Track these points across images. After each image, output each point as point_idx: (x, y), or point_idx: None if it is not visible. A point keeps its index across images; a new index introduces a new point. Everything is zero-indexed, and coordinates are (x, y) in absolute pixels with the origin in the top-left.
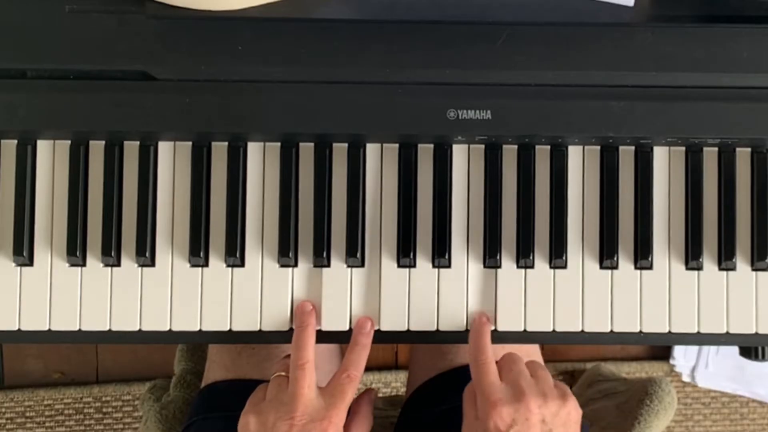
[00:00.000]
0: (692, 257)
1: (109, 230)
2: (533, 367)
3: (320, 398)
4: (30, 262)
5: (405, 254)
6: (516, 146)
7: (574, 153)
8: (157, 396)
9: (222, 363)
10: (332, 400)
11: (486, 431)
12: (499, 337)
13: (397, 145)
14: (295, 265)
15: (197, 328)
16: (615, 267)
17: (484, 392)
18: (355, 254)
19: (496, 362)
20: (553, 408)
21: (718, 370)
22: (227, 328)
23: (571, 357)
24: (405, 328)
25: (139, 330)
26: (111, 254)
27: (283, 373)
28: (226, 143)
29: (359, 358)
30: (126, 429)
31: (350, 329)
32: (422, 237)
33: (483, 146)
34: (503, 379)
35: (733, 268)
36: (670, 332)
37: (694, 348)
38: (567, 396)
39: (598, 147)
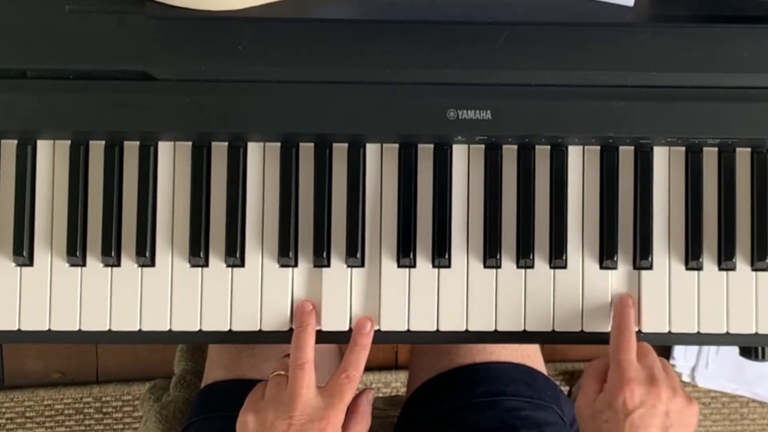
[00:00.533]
0: (692, 257)
1: (109, 230)
2: (665, 364)
3: (319, 398)
4: (30, 262)
5: (405, 254)
6: (516, 146)
7: (574, 153)
8: (157, 396)
9: (222, 363)
10: (331, 400)
11: (611, 404)
12: (498, 337)
13: (397, 145)
14: (295, 265)
15: (197, 328)
16: (615, 267)
17: (621, 366)
18: (355, 254)
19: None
20: (679, 405)
21: (718, 370)
22: (227, 328)
23: (570, 357)
24: (405, 328)
25: (139, 330)
26: (111, 254)
27: (282, 372)
28: (226, 143)
29: (358, 359)
30: (126, 429)
31: (350, 329)
32: (422, 237)
33: (483, 146)
34: (639, 362)
35: (733, 268)
36: (670, 332)
37: (694, 348)
38: (693, 400)
39: (598, 147)
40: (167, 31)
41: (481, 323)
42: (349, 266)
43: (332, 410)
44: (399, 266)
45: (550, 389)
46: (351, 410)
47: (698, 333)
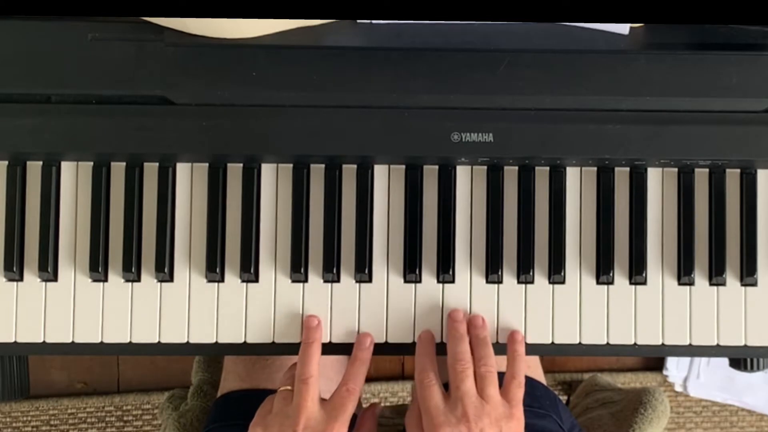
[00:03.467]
0: (684, 273)
1: (129, 247)
2: (482, 384)
3: (322, 411)
4: (54, 278)
5: (411, 270)
6: (517, 167)
7: (572, 174)
8: (175, 405)
9: (237, 373)
10: (333, 413)
11: None
12: (501, 349)
13: (403, 167)
14: (306, 280)
15: (213, 341)
16: (611, 282)
17: (429, 414)
18: (363, 270)
19: (448, 371)
20: (493, 429)
21: (709, 381)
22: (242, 341)
23: (568, 368)
24: (411, 341)
25: (158, 342)
26: (131, 270)
27: (289, 387)
28: (241, 164)
29: (359, 372)
30: None
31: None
32: (427, 254)
33: (485, 167)
34: (450, 397)
35: (723, 284)
36: (663, 344)
37: (686, 359)
38: (512, 417)
39: (595, 168)
40: (185, 58)
41: None
42: (357, 281)
43: (335, 422)
44: (405, 281)
45: (549, 398)
46: (358, 424)
47: (690, 345)
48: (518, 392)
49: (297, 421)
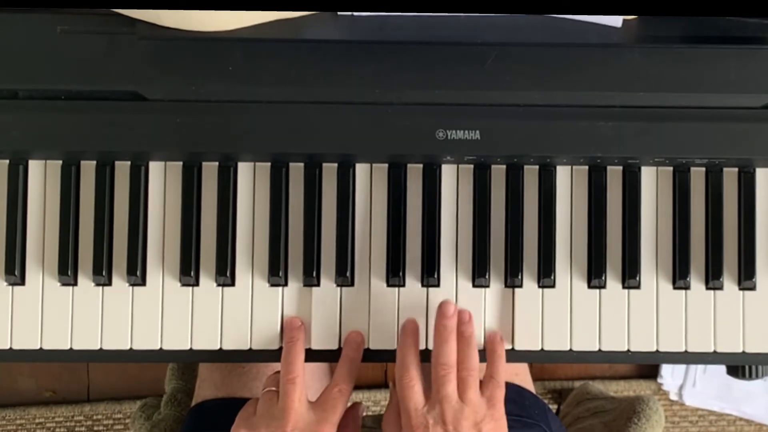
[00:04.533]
0: (680, 276)
1: (100, 250)
2: (462, 387)
3: (311, 412)
4: (21, 282)
5: (394, 273)
6: (505, 166)
7: (563, 173)
8: (148, 414)
9: (212, 381)
10: (323, 414)
11: None
12: (484, 355)
13: (386, 165)
14: (285, 284)
15: (188, 347)
16: (603, 286)
17: (408, 414)
18: (344, 273)
19: (431, 372)
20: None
21: (705, 389)
22: (218, 347)
23: (559, 376)
24: (394, 347)
25: (130, 349)
26: (102, 273)
27: (273, 388)
28: (217, 163)
29: (350, 373)
30: None
31: (340, 348)
32: (411, 256)
33: (472, 166)
34: (430, 399)
35: (720, 288)
36: (657, 351)
37: (682, 367)
38: (493, 418)
39: (587, 167)
40: (158, 51)
41: None
42: (338, 285)
43: (325, 424)
44: (388, 285)
45: (538, 407)
46: (341, 424)
47: (685, 352)
48: (497, 392)
49: (285, 422)
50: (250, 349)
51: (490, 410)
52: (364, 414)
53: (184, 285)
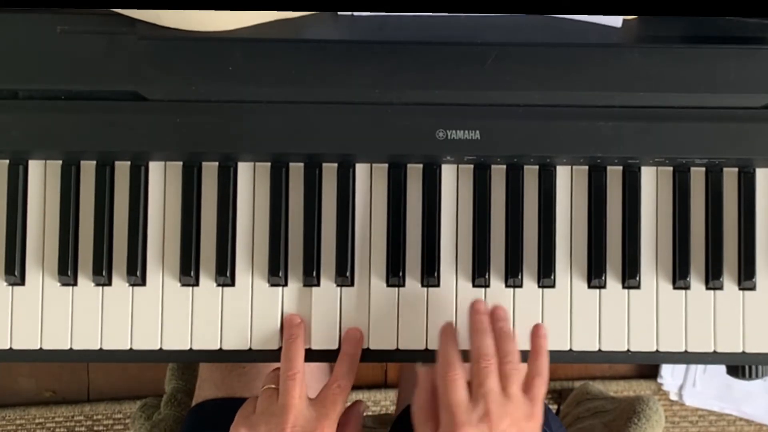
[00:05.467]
0: (680, 276)
1: (100, 250)
2: (505, 382)
3: (311, 409)
4: (21, 282)
5: (394, 273)
6: (504, 166)
7: (563, 173)
8: (148, 414)
9: (212, 382)
10: (323, 410)
11: None
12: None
13: (386, 165)
14: (285, 284)
15: (188, 347)
16: (603, 286)
17: (451, 411)
18: (344, 273)
19: (470, 364)
20: (513, 430)
21: (705, 389)
22: (218, 347)
23: (559, 376)
24: (394, 347)
25: (130, 349)
26: (102, 273)
27: (273, 386)
28: (217, 163)
29: (349, 369)
30: None
31: (339, 348)
32: (411, 256)
33: (472, 166)
34: (472, 395)
35: (720, 288)
36: (657, 351)
37: (682, 367)
38: (533, 416)
39: (587, 167)
40: (158, 51)
41: (469, 342)
42: (338, 285)
43: (325, 420)
44: (388, 285)
45: None
46: (341, 422)
47: (685, 352)
48: (541, 390)
49: (285, 419)
50: (250, 349)
51: (533, 408)
52: (364, 414)
53: (184, 285)
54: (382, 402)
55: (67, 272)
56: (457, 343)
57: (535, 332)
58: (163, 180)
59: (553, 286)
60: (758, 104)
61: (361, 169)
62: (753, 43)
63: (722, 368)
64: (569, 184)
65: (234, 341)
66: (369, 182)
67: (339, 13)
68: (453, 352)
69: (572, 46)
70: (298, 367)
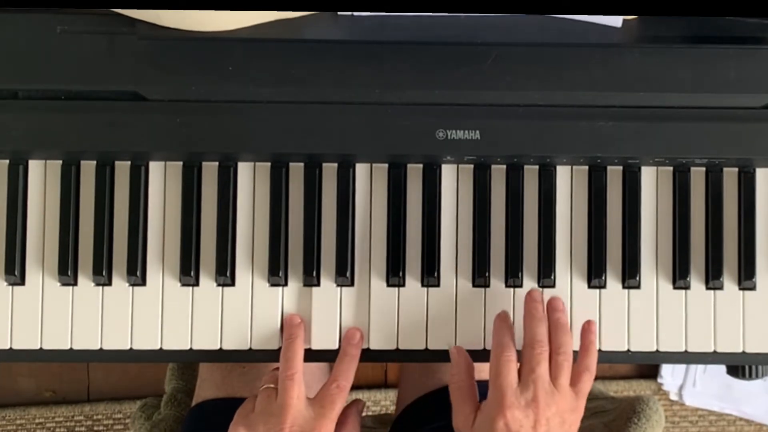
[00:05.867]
0: (680, 276)
1: (100, 250)
2: (556, 372)
3: (309, 408)
4: (21, 282)
5: (394, 273)
6: (504, 166)
7: (563, 173)
8: (148, 414)
9: (213, 381)
10: (322, 410)
11: (492, 428)
12: (487, 356)
13: (386, 165)
14: (285, 284)
15: (188, 347)
16: (603, 286)
17: (500, 391)
18: (344, 273)
19: (522, 349)
20: (556, 420)
21: (705, 389)
22: (218, 347)
23: None
24: (394, 347)
25: (130, 349)
26: (102, 273)
27: (271, 386)
28: (217, 163)
29: (348, 369)
30: None
31: (339, 348)
32: (411, 256)
33: (472, 166)
34: (522, 378)
35: (721, 288)
36: (657, 351)
37: (682, 367)
38: (576, 410)
39: (587, 167)
40: (158, 51)
41: (469, 342)
42: (338, 285)
43: (323, 420)
44: (388, 285)
45: None
46: (340, 421)
47: (686, 352)
48: (587, 385)
49: (284, 419)
50: (250, 349)
51: (578, 402)
52: (364, 414)
53: (184, 285)
54: (382, 402)
55: (67, 272)
56: (512, 329)
57: (586, 328)
58: (163, 180)
59: (553, 286)
60: (758, 104)
61: (361, 169)
62: (753, 43)
63: (722, 368)
64: (569, 184)
65: (234, 341)
66: (369, 182)
67: (339, 13)
68: (508, 336)
69: (572, 46)
70: (296, 367)
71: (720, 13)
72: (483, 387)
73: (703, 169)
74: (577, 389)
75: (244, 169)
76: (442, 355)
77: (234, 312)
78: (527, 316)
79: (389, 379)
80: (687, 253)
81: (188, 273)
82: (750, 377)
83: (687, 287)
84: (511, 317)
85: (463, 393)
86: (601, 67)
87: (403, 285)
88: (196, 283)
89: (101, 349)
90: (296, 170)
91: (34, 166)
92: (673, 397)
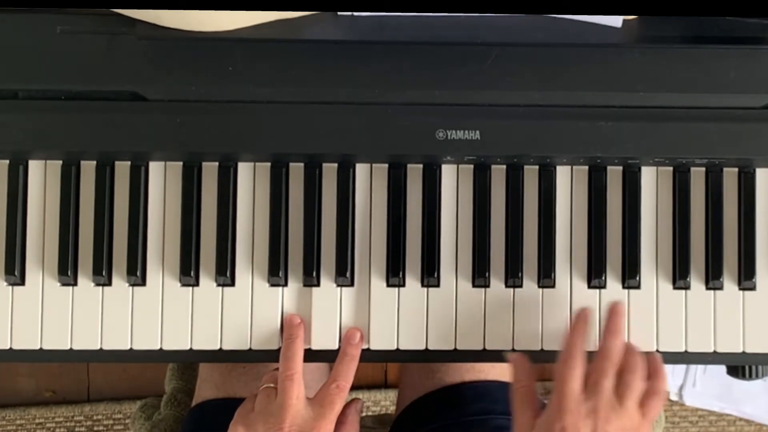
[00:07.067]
0: (680, 276)
1: (100, 250)
2: (624, 391)
3: (309, 408)
4: (21, 282)
5: (394, 273)
6: (504, 166)
7: (563, 173)
8: (148, 414)
9: (213, 382)
10: (321, 410)
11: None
12: (487, 356)
13: (386, 165)
14: (285, 284)
15: (188, 347)
16: (603, 286)
17: (563, 396)
18: (344, 273)
19: (592, 362)
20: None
21: (705, 389)
22: (218, 347)
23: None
24: (394, 347)
25: (130, 349)
26: (102, 273)
27: (271, 385)
28: (217, 163)
29: (348, 369)
30: None
31: (339, 348)
32: (411, 256)
33: (472, 166)
34: (587, 388)
35: (720, 288)
36: (657, 351)
37: (682, 367)
38: (642, 426)
39: (587, 167)
40: (158, 52)
41: (470, 342)
42: (338, 285)
43: (323, 420)
44: (388, 285)
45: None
46: (339, 420)
47: (685, 352)
48: (656, 410)
49: (283, 419)
50: (250, 349)
51: (643, 424)
52: (364, 414)
53: (184, 285)
54: (382, 402)
55: (67, 272)
56: (586, 336)
57: (655, 356)
58: (163, 180)
59: (553, 286)
60: (758, 104)
61: (361, 169)
62: (753, 43)
63: (722, 368)
64: (569, 184)
65: (234, 341)
66: (369, 182)
67: (339, 13)
68: (580, 344)
69: (572, 46)
70: (296, 367)
71: (720, 13)
72: (479, 387)
73: (703, 169)
74: (644, 411)
75: (244, 169)
76: (442, 356)
77: (234, 312)
78: (606, 329)
79: (389, 379)
80: (687, 253)
81: (188, 273)
82: (750, 377)
83: (687, 287)
84: (510, 318)
85: (527, 398)
86: (601, 67)
87: (403, 285)
88: (196, 283)
89: (101, 349)
90: (296, 170)
91: (34, 166)
92: (673, 397)
